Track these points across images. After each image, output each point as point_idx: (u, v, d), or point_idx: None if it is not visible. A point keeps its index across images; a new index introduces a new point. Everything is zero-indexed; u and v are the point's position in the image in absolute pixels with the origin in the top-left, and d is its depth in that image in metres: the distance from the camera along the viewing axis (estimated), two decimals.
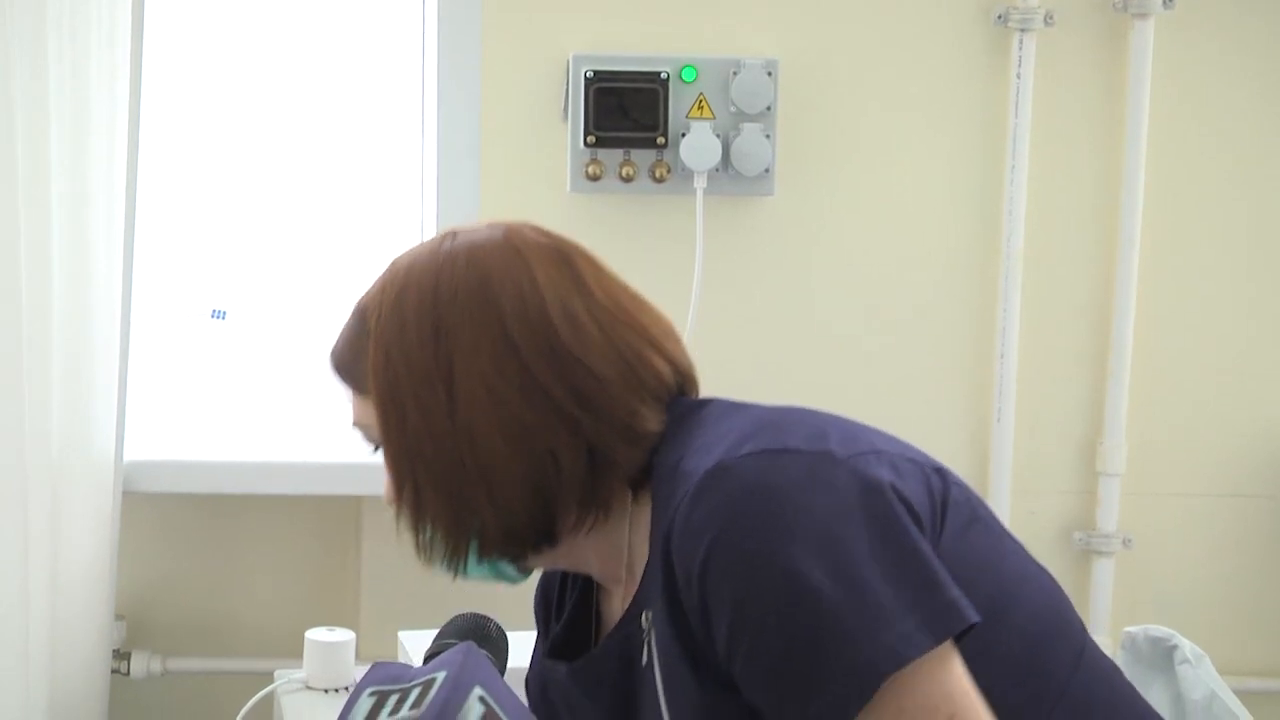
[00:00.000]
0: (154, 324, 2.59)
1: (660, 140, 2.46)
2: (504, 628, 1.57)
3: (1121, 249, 2.55)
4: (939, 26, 2.54)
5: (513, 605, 1.65)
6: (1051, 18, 2.50)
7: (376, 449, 1.35)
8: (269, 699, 2.17)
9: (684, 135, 2.46)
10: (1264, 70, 2.56)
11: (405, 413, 1.29)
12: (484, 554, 1.31)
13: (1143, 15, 2.49)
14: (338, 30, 2.61)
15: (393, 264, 1.35)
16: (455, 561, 1.31)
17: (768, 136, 2.46)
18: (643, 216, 2.54)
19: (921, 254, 2.58)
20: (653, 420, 1.31)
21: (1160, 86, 2.53)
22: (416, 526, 1.31)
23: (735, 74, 2.44)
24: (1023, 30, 2.49)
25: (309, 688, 2.13)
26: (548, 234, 1.34)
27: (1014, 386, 2.57)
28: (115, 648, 2.47)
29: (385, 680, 1.18)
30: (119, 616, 2.48)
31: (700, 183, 2.47)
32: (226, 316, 2.65)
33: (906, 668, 1.15)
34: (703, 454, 1.24)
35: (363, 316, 1.33)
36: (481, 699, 1.11)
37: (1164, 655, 1.62)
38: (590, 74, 2.45)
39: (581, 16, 2.49)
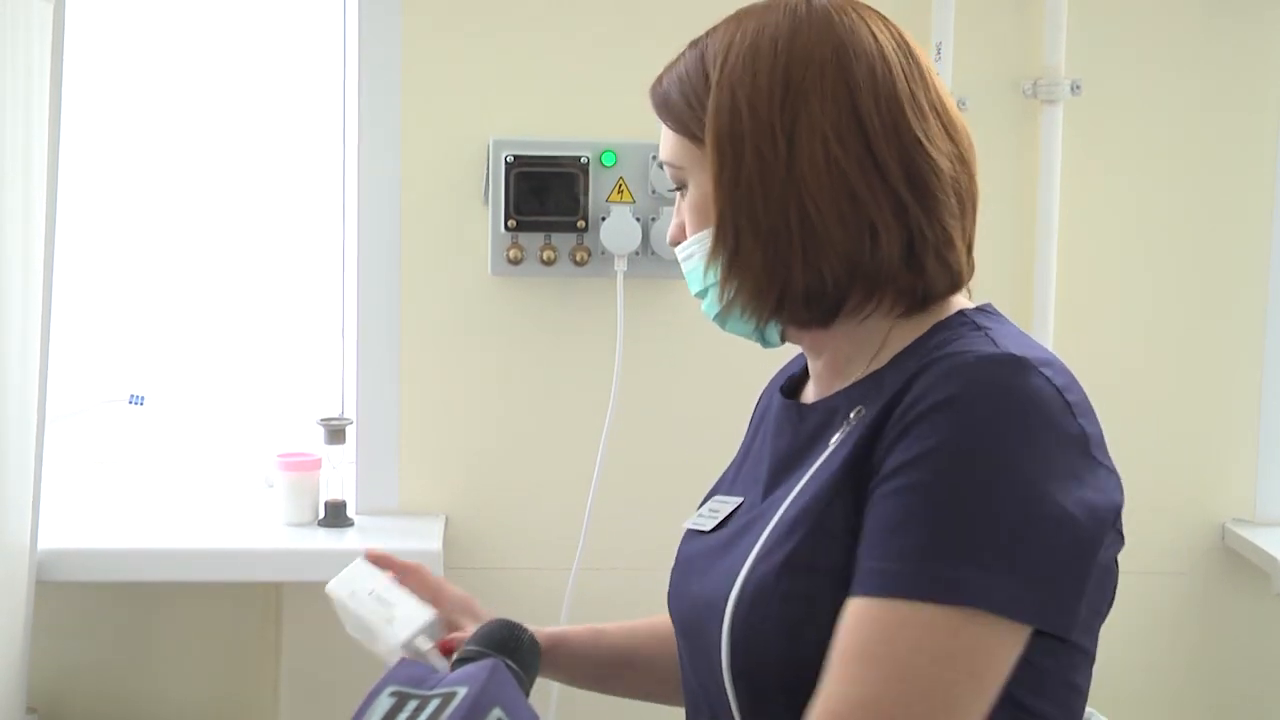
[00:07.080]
0: (70, 409, 2.57)
1: (580, 224, 2.48)
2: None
3: (1034, 327, 2.58)
4: None
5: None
6: (964, 103, 2.55)
7: (678, 189, 1.40)
8: None
9: (604, 219, 2.48)
10: (1168, 156, 2.62)
11: (743, 158, 1.32)
12: (774, 313, 1.35)
13: (1051, 101, 2.55)
14: (260, 111, 2.62)
15: (741, 14, 1.37)
16: (754, 314, 1.35)
17: None
18: (564, 299, 2.55)
19: None
20: (958, 255, 1.34)
21: (1070, 167, 2.59)
22: (727, 273, 1.35)
23: (654, 157, 2.47)
24: None
25: None
26: (894, 25, 1.38)
27: None
28: None
29: (408, 681, 1.17)
30: (30, 710, 2.43)
31: (621, 266, 2.49)
32: (145, 402, 2.62)
33: (996, 621, 1.18)
34: (1011, 341, 1.28)
35: (702, 60, 1.36)
36: None
37: None
38: (510, 158, 2.46)
39: (501, 101, 2.51)
